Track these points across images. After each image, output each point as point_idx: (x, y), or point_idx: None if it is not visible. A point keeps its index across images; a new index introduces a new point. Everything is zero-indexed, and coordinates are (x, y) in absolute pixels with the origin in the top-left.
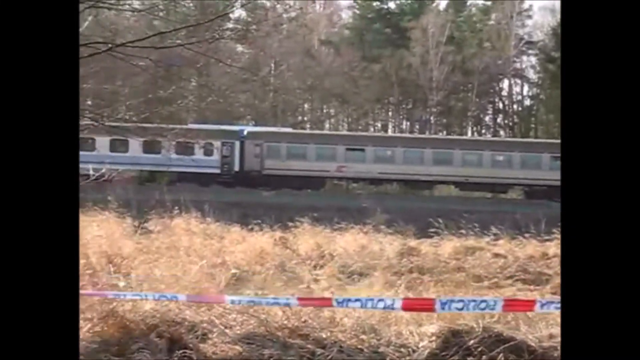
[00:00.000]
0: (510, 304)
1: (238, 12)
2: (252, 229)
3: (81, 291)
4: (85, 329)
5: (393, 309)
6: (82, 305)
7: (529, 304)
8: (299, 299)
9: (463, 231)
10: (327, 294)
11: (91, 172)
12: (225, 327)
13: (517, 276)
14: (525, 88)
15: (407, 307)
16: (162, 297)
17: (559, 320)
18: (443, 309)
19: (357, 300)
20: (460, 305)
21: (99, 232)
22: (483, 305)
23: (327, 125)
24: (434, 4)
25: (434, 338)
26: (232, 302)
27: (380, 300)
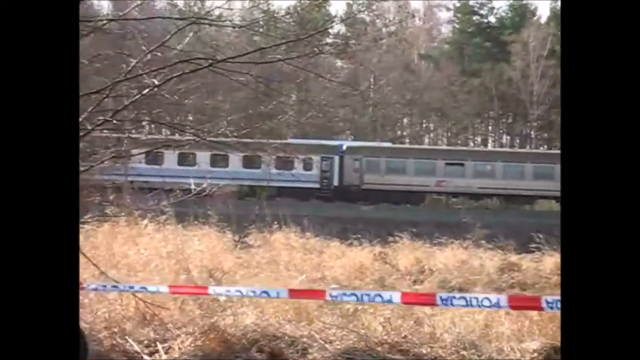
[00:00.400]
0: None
1: (337, 27)
2: (351, 244)
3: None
4: (187, 342)
5: (499, 307)
6: (185, 319)
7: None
8: (404, 294)
9: None
10: (427, 310)
11: (192, 187)
12: (325, 342)
13: None
14: None
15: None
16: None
17: None
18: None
19: (461, 297)
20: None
21: (200, 247)
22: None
23: (426, 140)
24: (535, 18)
25: (535, 355)
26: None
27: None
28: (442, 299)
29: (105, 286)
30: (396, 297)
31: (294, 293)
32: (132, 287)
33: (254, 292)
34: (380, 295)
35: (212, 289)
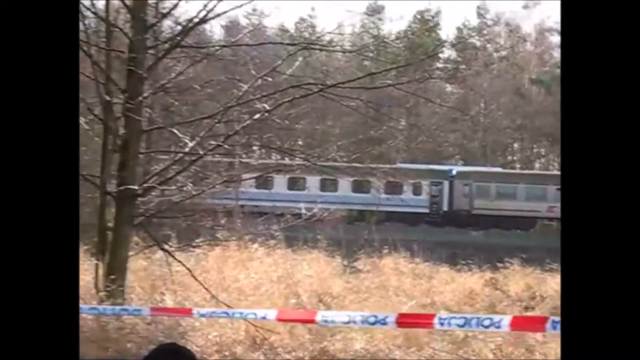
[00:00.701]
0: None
1: (448, 52)
2: (461, 269)
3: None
4: None
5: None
6: (294, 343)
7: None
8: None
9: None
10: (538, 337)
11: (303, 211)
12: None
13: None
14: None
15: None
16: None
17: None
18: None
19: None
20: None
21: (309, 271)
22: (487, 322)
23: (537, 165)
24: None
25: None
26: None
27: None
28: (553, 322)
29: (214, 312)
30: (505, 321)
31: (402, 321)
32: (241, 314)
33: (362, 319)
34: (489, 319)
35: (320, 316)
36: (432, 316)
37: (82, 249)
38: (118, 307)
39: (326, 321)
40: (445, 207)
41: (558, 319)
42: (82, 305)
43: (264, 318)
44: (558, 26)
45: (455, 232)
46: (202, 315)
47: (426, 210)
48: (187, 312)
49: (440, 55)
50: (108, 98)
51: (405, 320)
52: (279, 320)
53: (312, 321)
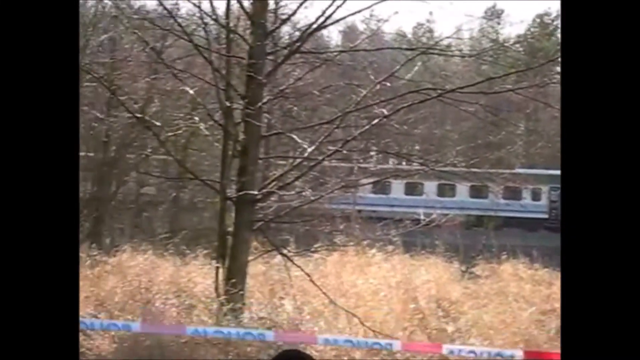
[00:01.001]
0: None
1: None
2: None
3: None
4: None
5: None
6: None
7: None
8: None
9: None
10: None
11: (422, 217)
12: None
13: None
14: None
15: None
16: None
17: None
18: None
19: None
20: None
21: (427, 277)
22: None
23: None
24: None
25: None
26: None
27: None
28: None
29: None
30: None
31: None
32: (366, 343)
33: (488, 353)
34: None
35: (445, 349)
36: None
37: (202, 253)
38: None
39: (452, 352)
40: None
41: None
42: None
43: (388, 347)
44: None
45: None
46: (327, 342)
47: (545, 216)
48: (311, 340)
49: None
50: (228, 104)
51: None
52: (405, 350)
53: (438, 352)
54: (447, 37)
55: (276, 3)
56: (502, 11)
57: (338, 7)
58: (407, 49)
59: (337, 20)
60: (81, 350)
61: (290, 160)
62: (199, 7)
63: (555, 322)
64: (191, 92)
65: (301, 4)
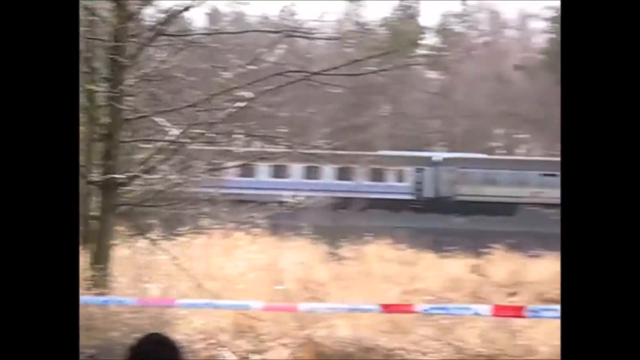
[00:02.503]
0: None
1: (430, 39)
2: (445, 256)
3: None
4: (282, 354)
5: None
6: (279, 331)
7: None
8: (494, 307)
9: None
10: (524, 322)
11: (287, 199)
12: (421, 354)
13: None
14: None
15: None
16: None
17: None
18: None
19: (551, 309)
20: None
21: (294, 259)
22: (468, 311)
23: (520, 151)
24: None
25: None
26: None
27: None
28: (531, 311)
29: (197, 303)
30: (485, 310)
31: (386, 308)
32: (226, 304)
33: (345, 308)
34: (469, 309)
35: (302, 306)
36: (413, 306)
37: None
38: (104, 297)
39: (311, 310)
40: (429, 194)
41: (537, 307)
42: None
43: (247, 307)
44: (541, 12)
45: (439, 219)
46: (187, 306)
47: (410, 197)
48: (170, 302)
49: (423, 42)
50: (91, 87)
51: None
52: (265, 309)
53: (294, 310)
54: (312, 20)
55: None
56: None
57: None
58: (271, 32)
59: (201, 2)
60: None
61: (155, 144)
62: None
63: (420, 301)
64: None
65: None
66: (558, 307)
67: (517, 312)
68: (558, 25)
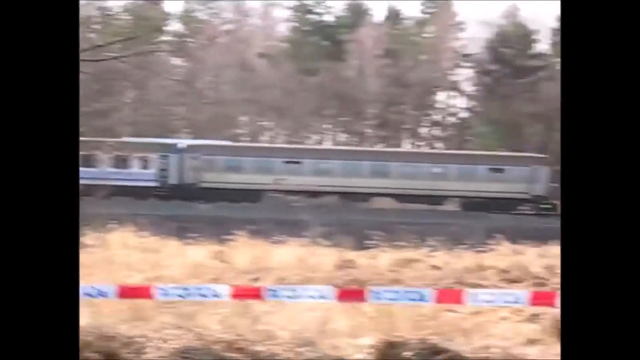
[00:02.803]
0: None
1: (174, 26)
2: (188, 243)
3: None
4: None
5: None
6: None
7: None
8: (234, 288)
9: (400, 243)
10: (265, 307)
11: None
12: (161, 341)
13: (453, 287)
14: (461, 100)
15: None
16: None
17: (494, 331)
18: (274, 297)
19: (288, 289)
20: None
21: None
22: (207, 292)
23: (264, 138)
24: (370, 17)
25: (371, 350)
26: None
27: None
28: (270, 291)
29: None
30: (225, 290)
31: (123, 292)
32: None
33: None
34: (209, 289)
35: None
36: (152, 287)
37: None
38: None
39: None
40: (173, 181)
41: (276, 286)
42: None
43: None
44: (283, 1)
45: (184, 206)
46: None
47: (155, 184)
48: None
49: (167, 28)
50: None
51: (126, 293)
52: None
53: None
54: None
55: None
56: None
57: None
58: None
59: None
60: None
61: None
62: None
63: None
64: None
65: None
66: (295, 287)
67: (255, 292)
68: (299, 14)
